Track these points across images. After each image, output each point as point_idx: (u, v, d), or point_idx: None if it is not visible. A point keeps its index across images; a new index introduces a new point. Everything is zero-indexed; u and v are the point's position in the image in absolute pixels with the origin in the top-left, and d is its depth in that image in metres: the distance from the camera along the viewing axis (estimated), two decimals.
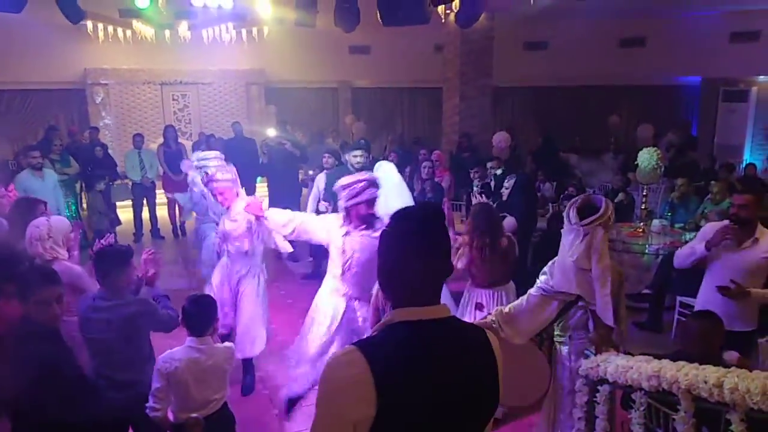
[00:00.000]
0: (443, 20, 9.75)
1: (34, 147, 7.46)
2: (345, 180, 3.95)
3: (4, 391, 2.51)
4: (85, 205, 10.84)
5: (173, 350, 3.08)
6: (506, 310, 3.28)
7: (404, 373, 1.43)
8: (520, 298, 3.34)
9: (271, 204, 7.33)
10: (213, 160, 5.31)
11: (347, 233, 3.88)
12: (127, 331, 3.06)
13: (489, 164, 7.25)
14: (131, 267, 3.25)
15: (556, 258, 3.30)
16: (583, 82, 14.10)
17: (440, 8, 8.31)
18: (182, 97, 13.69)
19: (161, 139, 10.06)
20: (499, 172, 6.95)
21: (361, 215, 3.87)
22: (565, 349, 3.43)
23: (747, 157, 13.24)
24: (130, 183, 9.68)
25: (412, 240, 1.53)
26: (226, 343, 3.34)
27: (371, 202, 3.87)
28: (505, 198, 5.34)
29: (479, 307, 4.25)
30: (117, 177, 9.95)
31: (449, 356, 1.50)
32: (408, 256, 1.52)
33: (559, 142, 12.75)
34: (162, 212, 9.98)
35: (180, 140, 10.86)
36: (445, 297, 4.97)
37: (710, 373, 2.56)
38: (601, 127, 14.18)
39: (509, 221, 4.87)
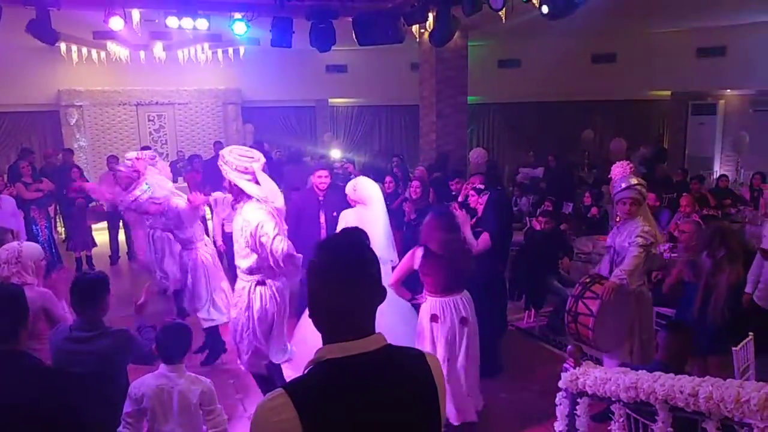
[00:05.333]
0: (418, 39, 9.89)
1: None
2: None
3: None
4: (60, 229, 10.71)
5: (146, 376, 3.02)
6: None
7: (334, 415, 1.37)
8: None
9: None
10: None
11: None
12: (105, 365, 2.94)
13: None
14: (108, 295, 3.14)
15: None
16: (556, 98, 14.35)
17: (415, 28, 8.45)
18: (158, 117, 13.59)
19: None
20: (482, 187, 7.00)
21: None
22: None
23: (717, 168, 13.55)
24: (105, 205, 9.55)
25: (339, 271, 1.46)
26: (201, 377, 3.19)
27: None
28: (479, 214, 5.39)
29: (434, 318, 4.15)
30: (92, 199, 9.82)
31: (382, 391, 1.44)
32: (335, 287, 1.45)
33: (539, 157, 12.95)
34: None
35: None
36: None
37: (686, 382, 2.60)
38: (575, 142, 14.43)
39: (484, 237, 4.91)
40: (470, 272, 4.28)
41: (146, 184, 5.58)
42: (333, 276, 1.46)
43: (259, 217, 3.92)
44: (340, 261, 1.47)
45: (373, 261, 1.52)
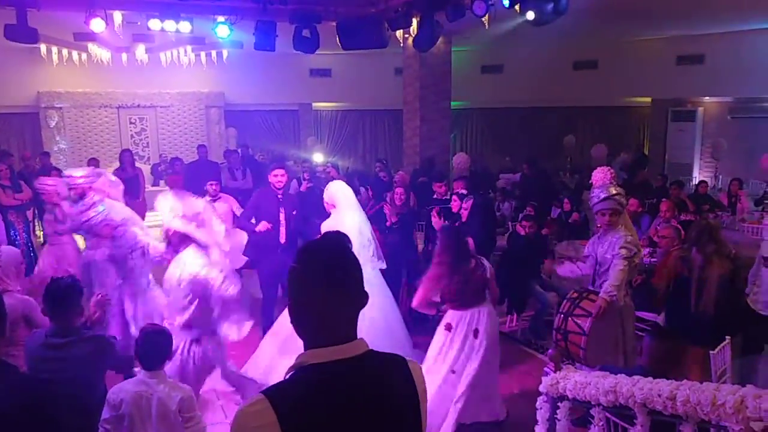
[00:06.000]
0: (402, 44, 9.93)
1: None
2: None
3: None
4: (38, 233, 10.55)
5: (124, 382, 2.99)
6: None
7: (315, 420, 1.37)
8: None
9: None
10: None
11: None
12: (82, 370, 2.90)
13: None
14: (82, 300, 3.08)
15: None
16: (539, 103, 14.48)
17: (399, 33, 8.48)
18: (140, 120, 13.49)
19: (118, 164, 9.88)
20: (464, 192, 7.03)
21: None
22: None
23: (696, 175, 13.75)
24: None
25: (321, 275, 1.45)
26: (181, 384, 3.15)
27: None
28: (464, 219, 5.41)
29: (448, 327, 4.29)
30: None
31: (364, 397, 1.44)
32: (317, 292, 1.45)
33: (517, 162, 13.04)
34: None
35: (138, 164, 10.69)
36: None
37: (664, 386, 2.63)
38: (558, 148, 14.56)
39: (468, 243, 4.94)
40: (486, 285, 4.39)
41: (102, 205, 5.10)
42: (316, 281, 1.45)
43: (202, 263, 3.84)
44: (323, 265, 1.46)
45: (355, 265, 1.51)
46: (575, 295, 4.58)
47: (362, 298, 1.51)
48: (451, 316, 4.32)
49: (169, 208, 3.94)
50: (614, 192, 4.51)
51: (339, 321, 1.47)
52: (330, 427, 1.38)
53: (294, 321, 1.50)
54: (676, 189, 9.07)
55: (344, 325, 1.48)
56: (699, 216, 8.57)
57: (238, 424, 1.38)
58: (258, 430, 1.34)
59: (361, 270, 1.53)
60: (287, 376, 1.45)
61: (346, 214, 5.03)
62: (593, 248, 4.70)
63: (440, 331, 4.35)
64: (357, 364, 1.46)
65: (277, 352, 4.64)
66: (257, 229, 5.68)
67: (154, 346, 3.02)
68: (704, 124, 14.05)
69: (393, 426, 1.48)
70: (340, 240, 1.55)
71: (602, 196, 4.52)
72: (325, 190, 5.27)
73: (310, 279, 1.46)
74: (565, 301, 4.62)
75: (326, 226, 4.99)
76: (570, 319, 4.43)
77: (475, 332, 4.22)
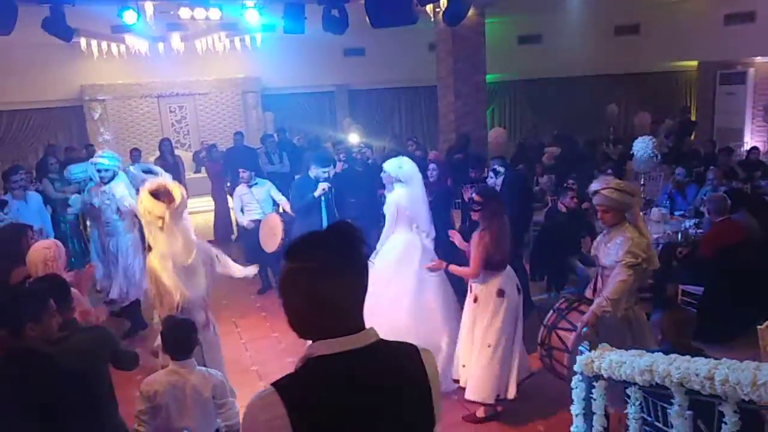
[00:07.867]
0: (432, 19, 9.74)
1: (14, 171, 7.10)
2: None
3: None
4: (88, 223, 10.92)
5: (156, 373, 3.07)
6: None
7: (325, 413, 1.35)
8: None
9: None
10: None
11: None
12: (84, 361, 2.74)
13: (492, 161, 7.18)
14: (70, 296, 3.02)
15: None
16: (579, 72, 14.04)
17: (428, 7, 8.32)
18: (179, 108, 13.72)
19: (159, 153, 10.10)
20: (501, 169, 6.89)
21: None
22: None
23: (748, 140, 13.16)
24: None
25: (331, 268, 1.39)
26: (212, 370, 3.22)
27: None
28: None
29: (500, 293, 4.32)
30: None
31: (375, 387, 1.41)
32: (327, 286, 1.38)
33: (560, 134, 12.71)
34: None
35: (179, 152, 10.89)
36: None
37: (701, 365, 2.54)
38: (600, 118, 14.14)
39: None
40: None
41: None
42: (330, 272, 1.39)
43: (157, 268, 3.70)
44: (336, 255, 1.40)
45: (363, 252, 1.45)
46: (564, 304, 4.06)
47: (367, 285, 1.46)
48: (501, 280, 4.33)
49: (141, 204, 3.85)
50: (611, 186, 3.77)
51: (350, 311, 1.43)
52: (340, 419, 1.36)
53: (297, 321, 1.45)
54: (725, 155, 8.71)
55: (355, 314, 1.44)
56: (750, 183, 8.23)
57: (248, 416, 1.38)
58: (267, 422, 1.33)
59: (365, 256, 1.47)
60: (296, 368, 1.43)
61: (417, 189, 5.16)
62: (597, 248, 4.04)
63: (492, 299, 4.31)
64: (368, 354, 1.42)
65: None
66: (316, 194, 6.09)
67: (179, 335, 3.08)
68: (756, 86, 13.39)
69: (404, 418, 1.45)
70: (349, 229, 1.47)
71: (593, 188, 3.87)
72: (397, 164, 5.22)
73: (324, 274, 1.39)
74: (551, 312, 4.11)
75: (396, 198, 5.09)
76: (554, 332, 3.95)
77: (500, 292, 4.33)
